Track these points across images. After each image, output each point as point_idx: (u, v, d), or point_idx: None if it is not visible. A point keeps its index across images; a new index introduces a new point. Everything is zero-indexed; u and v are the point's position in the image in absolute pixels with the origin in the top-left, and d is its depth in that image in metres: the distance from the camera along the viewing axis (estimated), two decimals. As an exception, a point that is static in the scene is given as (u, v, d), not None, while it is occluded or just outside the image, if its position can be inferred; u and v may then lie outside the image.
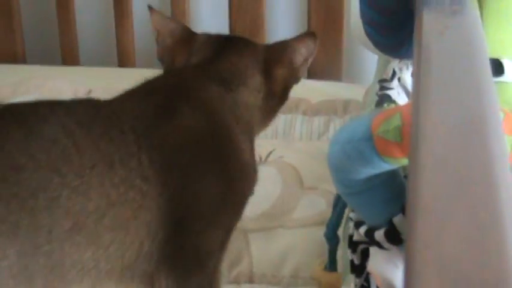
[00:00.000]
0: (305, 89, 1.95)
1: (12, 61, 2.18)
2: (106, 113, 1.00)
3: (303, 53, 1.17)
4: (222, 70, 1.13)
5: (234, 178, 1.05)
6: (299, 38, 1.18)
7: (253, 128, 1.14)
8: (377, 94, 1.34)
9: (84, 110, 1.00)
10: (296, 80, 1.19)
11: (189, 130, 1.03)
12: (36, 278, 0.92)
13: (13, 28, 2.19)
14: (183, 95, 1.06)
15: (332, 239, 1.28)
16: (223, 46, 1.16)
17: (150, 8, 1.20)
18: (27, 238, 0.90)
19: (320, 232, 1.30)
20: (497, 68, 1.02)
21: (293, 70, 1.18)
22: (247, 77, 1.14)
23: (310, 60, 1.18)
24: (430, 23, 0.82)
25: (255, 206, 1.49)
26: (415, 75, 0.74)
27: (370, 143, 0.94)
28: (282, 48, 1.17)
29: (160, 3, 2.12)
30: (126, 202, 0.95)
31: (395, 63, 1.37)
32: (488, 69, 0.71)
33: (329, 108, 1.84)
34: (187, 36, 1.18)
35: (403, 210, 1.00)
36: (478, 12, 0.86)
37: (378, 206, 1.02)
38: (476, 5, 0.90)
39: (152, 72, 1.12)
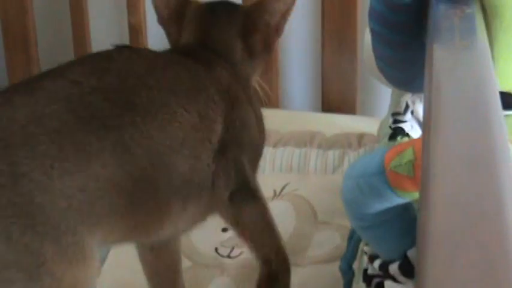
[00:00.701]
0: (319, 123, 1.96)
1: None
2: (178, 58, 1.19)
3: (281, 10, 1.26)
4: (211, 48, 1.24)
5: (259, 120, 1.23)
6: None
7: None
8: (390, 127, 1.35)
9: (165, 53, 1.20)
10: (277, 35, 1.28)
11: (228, 77, 1.19)
12: (157, 187, 1.05)
13: (30, 63, 2.21)
14: (211, 59, 1.21)
15: (347, 272, 1.28)
16: (208, 20, 1.26)
17: None
18: (157, 147, 1.05)
19: (334, 267, 1.30)
20: (509, 101, 1.03)
21: (271, 30, 1.27)
22: (230, 53, 1.25)
23: (290, 12, 1.27)
24: (440, 58, 0.82)
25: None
26: (426, 110, 0.75)
27: (383, 177, 0.95)
28: (258, 14, 1.26)
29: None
30: (208, 120, 1.11)
31: (408, 96, 1.38)
32: (498, 104, 0.71)
33: (343, 142, 1.84)
34: (180, 8, 1.28)
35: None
36: (488, 47, 0.87)
37: (392, 240, 1.02)
38: (486, 38, 0.91)
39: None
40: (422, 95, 1.33)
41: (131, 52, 1.15)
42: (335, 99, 2.06)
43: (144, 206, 1.06)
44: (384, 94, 1.88)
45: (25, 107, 0.99)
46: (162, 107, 1.07)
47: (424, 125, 0.74)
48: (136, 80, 1.07)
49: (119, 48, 1.15)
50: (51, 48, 2.26)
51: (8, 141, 0.95)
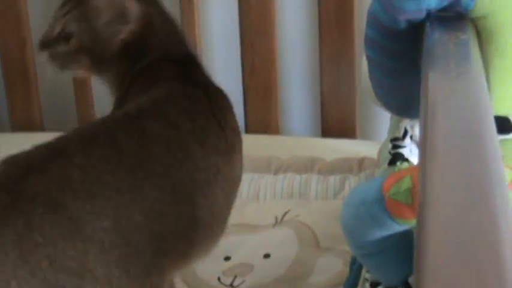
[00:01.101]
0: (319, 148, 1.96)
1: (29, 129, 2.20)
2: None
3: None
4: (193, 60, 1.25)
5: None
6: None
7: None
8: (390, 153, 1.35)
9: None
10: None
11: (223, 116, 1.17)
12: (199, 224, 1.05)
13: (31, 96, 2.21)
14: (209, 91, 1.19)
15: (350, 299, 1.28)
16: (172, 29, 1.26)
17: None
18: (231, 186, 1.11)
19: (337, 294, 1.30)
20: (506, 125, 1.03)
21: None
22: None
23: None
24: (435, 85, 0.83)
25: (269, 270, 1.48)
26: (422, 138, 0.75)
27: (382, 205, 0.95)
28: None
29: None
30: (228, 146, 1.13)
31: (407, 122, 1.38)
32: (493, 130, 0.71)
33: (344, 167, 1.84)
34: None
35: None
36: (483, 73, 0.87)
37: (393, 267, 1.02)
38: (481, 64, 0.91)
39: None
40: (420, 120, 1.34)
41: (203, 92, 1.16)
42: (335, 124, 2.07)
43: (203, 244, 1.09)
44: (383, 118, 1.88)
45: (129, 150, 0.99)
46: (234, 151, 1.14)
47: (420, 152, 0.74)
48: (215, 120, 1.12)
49: (194, 88, 1.16)
50: (51, 82, 2.26)
51: (115, 186, 0.94)
